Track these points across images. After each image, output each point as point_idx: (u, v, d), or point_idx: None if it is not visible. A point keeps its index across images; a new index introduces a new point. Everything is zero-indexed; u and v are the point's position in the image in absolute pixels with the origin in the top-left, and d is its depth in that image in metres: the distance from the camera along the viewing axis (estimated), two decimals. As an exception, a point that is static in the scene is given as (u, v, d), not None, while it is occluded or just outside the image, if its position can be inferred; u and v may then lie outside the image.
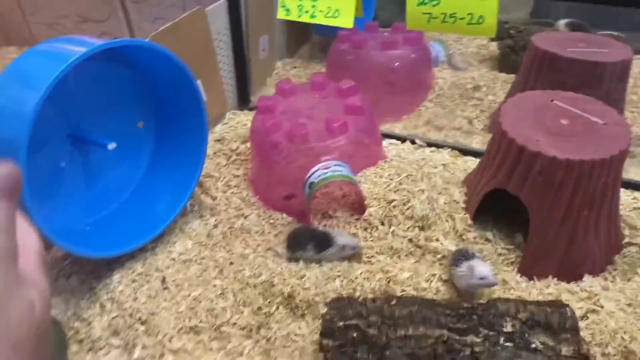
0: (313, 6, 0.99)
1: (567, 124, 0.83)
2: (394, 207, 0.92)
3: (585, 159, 0.74)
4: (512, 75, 1.40)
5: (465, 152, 1.13)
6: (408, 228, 0.90)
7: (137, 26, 1.57)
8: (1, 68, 0.75)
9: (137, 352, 0.76)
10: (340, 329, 0.66)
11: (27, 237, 0.26)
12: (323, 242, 0.86)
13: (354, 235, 0.91)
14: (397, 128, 1.28)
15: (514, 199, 0.81)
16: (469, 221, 0.90)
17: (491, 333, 0.64)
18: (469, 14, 0.86)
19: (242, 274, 0.86)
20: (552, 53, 1.06)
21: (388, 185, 0.96)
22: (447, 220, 0.90)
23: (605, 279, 0.82)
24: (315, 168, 0.91)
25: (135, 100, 0.98)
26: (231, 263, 0.89)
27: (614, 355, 0.68)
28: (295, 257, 0.88)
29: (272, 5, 1.38)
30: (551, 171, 0.76)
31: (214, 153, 1.19)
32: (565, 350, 0.62)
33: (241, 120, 1.32)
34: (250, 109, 1.39)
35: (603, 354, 0.69)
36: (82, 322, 0.82)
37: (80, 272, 0.90)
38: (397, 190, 0.95)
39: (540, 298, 0.76)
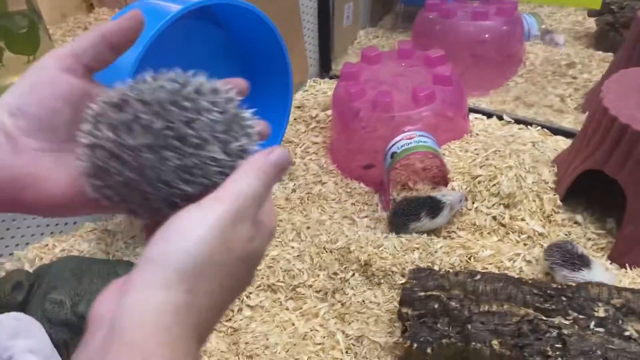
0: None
1: (678, 103, 0.76)
2: (479, 182, 0.89)
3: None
4: (610, 54, 1.32)
5: (556, 131, 1.07)
6: (493, 205, 0.87)
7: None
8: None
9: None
10: (420, 298, 0.65)
11: (271, 213, 0.30)
12: (434, 207, 0.83)
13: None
14: (483, 102, 1.23)
15: (609, 181, 0.77)
16: (558, 202, 0.86)
17: (581, 316, 0.61)
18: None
19: (319, 239, 0.86)
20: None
21: (474, 160, 0.93)
22: (534, 200, 0.86)
23: None
24: (398, 138, 0.89)
25: (222, 61, 0.99)
26: (308, 227, 0.90)
27: None
28: (408, 231, 0.84)
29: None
30: (657, 153, 0.70)
31: (294, 119, 1.19)
32: (662, 342, 0.58)
33: (322, 88, 1.32)
34: (332, 77, 1.38)
35: None
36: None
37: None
38: (483, 165, 0.91)
39: (633, 287, 0.71)
